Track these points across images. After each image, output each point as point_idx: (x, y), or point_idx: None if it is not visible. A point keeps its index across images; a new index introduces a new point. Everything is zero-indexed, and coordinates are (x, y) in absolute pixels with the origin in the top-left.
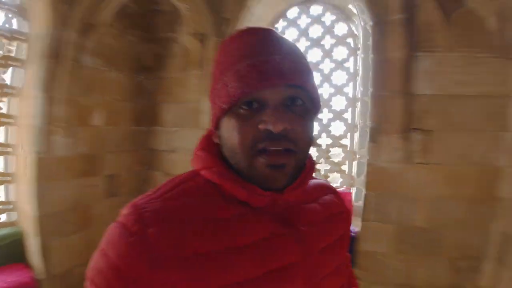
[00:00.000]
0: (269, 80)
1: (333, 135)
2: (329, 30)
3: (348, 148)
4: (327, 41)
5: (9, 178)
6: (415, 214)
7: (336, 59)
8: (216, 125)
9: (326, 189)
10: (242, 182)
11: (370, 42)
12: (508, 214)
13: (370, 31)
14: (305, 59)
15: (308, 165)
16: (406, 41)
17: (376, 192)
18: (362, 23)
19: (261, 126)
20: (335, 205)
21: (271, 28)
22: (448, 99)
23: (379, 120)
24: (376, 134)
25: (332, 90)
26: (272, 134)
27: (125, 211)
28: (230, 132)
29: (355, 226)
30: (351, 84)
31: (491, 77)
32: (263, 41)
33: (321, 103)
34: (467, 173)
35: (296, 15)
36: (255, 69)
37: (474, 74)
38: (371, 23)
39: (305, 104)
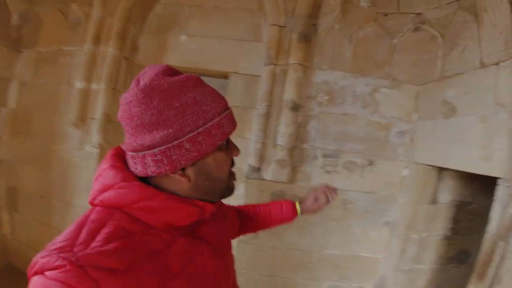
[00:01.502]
0: (236, 124)
1: None
2: None
3: None
4: None
5: None
6: None
7: None
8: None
9: None
10: (189, 200)
11: None
12: (9, 172)
13: None
14: None
15: None
16: None
17: None
18: None
19: (234, 155)
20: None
21: None
22: None
23: None
24: None
25: None
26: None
27: (53, 262)
28: (221, 164)
29: None
30: None
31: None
32: (217, 91)
33: None
34: None
35: None
36: (232, 116)
37: None
38: None
39: None
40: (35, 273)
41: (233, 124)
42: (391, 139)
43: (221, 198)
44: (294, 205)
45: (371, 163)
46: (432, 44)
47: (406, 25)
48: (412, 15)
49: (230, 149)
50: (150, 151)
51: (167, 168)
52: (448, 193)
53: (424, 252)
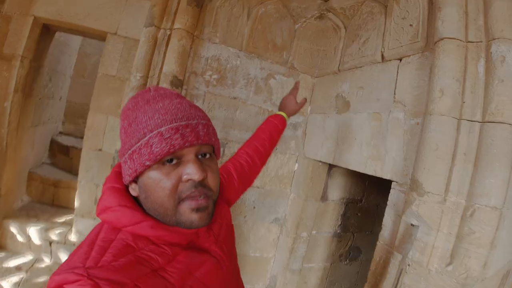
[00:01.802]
0: (189, 141)
1: None
2: None
3: None
4: None
5: None
6: None
7: None
8: (133, 179)
9: None
10: (173, 228)
11: None
12: None
13: None
14: (210, 121)
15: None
16: None
17: None
18: None
19: (186, 177)
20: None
21: (178, 92)
22: None
23: None
24: None
25: None
26: (193, 183)
27: (70, 277)
28: (155, 186)
29: None
30: None
31: None
32: (180, 106)
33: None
34: None
35: None
36: (177, 132)
37: None
38: None
39: (212, 155)
40: None
41: (171, 143)
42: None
43: (181, 227)
44: (281, 117)
45: None
46: (335, 35)
47: (311, 10)
48: (319, 1)
49: (180, 171)
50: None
51: (125, 179)
52: (338, 190)
53: (314, 250)
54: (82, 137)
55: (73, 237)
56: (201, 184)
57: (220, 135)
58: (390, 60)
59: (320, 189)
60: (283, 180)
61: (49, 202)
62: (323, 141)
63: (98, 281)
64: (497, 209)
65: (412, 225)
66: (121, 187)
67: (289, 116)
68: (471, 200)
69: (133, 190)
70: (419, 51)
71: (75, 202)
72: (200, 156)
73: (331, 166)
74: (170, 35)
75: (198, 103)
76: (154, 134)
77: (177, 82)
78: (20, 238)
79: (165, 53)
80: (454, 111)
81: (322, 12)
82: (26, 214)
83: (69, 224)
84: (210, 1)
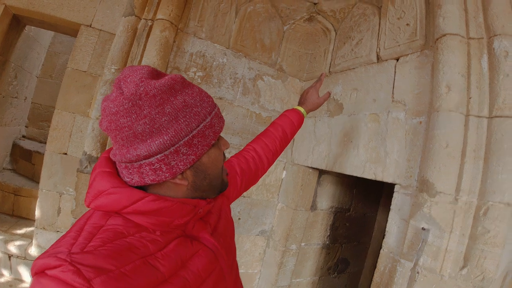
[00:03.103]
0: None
1: None
2: None
3: None
4: None
5: None
6: None
7: None
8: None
9: None
10: (179, 199)
11: None
12: None
13: None
14: None
15: None
16: None
17: None
18: None
19: (224, 148)
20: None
21: None
22: None
23: None
24: None
25: None
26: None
27: (52, 262)
28: (215, 162)
29: None
30: None
31: None
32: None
33: None
34: None
35: None
36: (219, 111)
37: None
38: None
39: None
40: (36, 273)
41: (222, 121)
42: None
43: (218, 194)
44: (299, 112)
45: None
46: (324, 37)
47: (300, 12)
48: (308, 3)
49: (220, 144)
50: (146, 161)
51: (167, 175)
52: (327, 199)
53: (303, 264)
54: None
55: (33, 251)
56: None
57: None
58: (386, 60)
59: (310, 197)
60: (270, 189)
61: (8, 211)
62: (313, 146)
63: (81, 267)
64: (510, 205)
65: (423, 229)
66: (112, 171)
67: (308, 111)
68: (483, 198)
69: (182, 179)
70: (418, 50)
71: (36, 212)
72: None
73: (320, 173)
74: (151, 25)
75: None
76: (214, 115)
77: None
78: None
79: (145, 45)
80: (461, 106)
81: (311, 15)
82: None
83: (29, 236)
84: None
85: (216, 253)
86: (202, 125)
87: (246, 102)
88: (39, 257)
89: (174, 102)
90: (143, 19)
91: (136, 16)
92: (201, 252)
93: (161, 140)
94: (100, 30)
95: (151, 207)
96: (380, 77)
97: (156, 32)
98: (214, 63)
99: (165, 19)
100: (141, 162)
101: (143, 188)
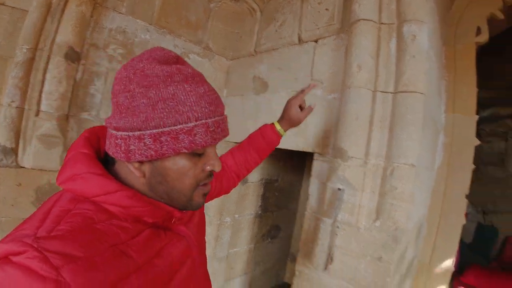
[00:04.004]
0: (224, 135)
1: None
2: None
3: None
4: None
5: None
6: None
7: None
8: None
9: None
10: (154, 201)
11: None
12: None
13: None
14: None
15: None
16: None
17: None
18: None
19: (209, 168)
20: None
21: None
22: None
23: None
24: None
25: None
26: (211, 172)
27: (16, 248)
28: (180, 174)
29: None
30: None
31: None
32: (218, 96)
33: None
34: None
35: None
36: (219, 126)
37: None
38: None
39: None
40: None
41: (213, 137)
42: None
43: (181, 209)
44: (273, 128)
45: None
46: (250, 17)
47: None
48: None
49: (203, 161)
50: (114, 132)
51: (122, 155)
52: (257, 171)
53: (238, 234)
54: None
55: None
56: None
57: None
58: (307, 42)
59: None
60: None
61: None
62: (241, 123)
63: (47, 253)
64: (414, 166)
65: (339, 189)
66: (90, 153)
67: (288, 127)
68: (390, 161)
69: (137, 169)
70: (335, 33)
71: None
72: None
73: None
74: (67, 0)
75: (100, 82)
76: (200, 124)
77: (74, 55)
78: None
79: (59, 21)
80: (370, 84)
81: None
82: None
83: None
84: None
85: (190, 243)
86: (179, 126)
87: None
88: (2, 241)
89: (162, 90)
90: None
91: None
92: (175, 241)
93: (130, 119)
94: (13, 7)
95: (124, 203)
96: (301, 58)
97: (71, 6)
98: (136, 39)
99: None
100: (110, 131)
101: (111, 161)
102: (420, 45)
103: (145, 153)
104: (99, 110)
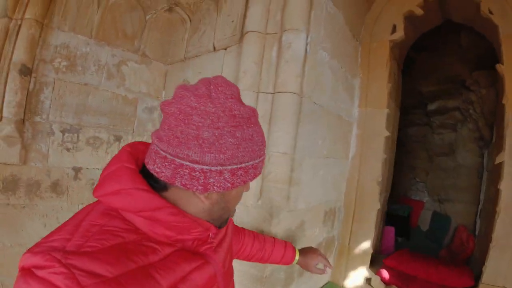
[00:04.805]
0: None
1: None
2: None
3: None
4: None
5: None
6: None
7: None
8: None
9: None
10: (197, 218)
11: None
12: None
13: None
14: None
15: None
16: None
17: None
18: None
19: (246, 191)
20: None
21: None
22: None
23: None
24: None
25: None
26: None
27: (43, 262)
28: (236, 198)
29: None
30: None
31: None
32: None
33: None
34: None
35: None
36: (263, 163)
37: None
38: None
39: None
40: (23, 268)
41: (261, 169)
42: (140, 114)
43: (219, 227)
44: (294, 257)
45: (118, 138)
46: (181, 26)
47: (160, 3)
48: None
49: (246, 186)
50: (191, 165)
51: (200, 188)
52: None
53: None
54: None
55: None
56: None
57: (73, 121)
58: (219, 50)
59: None
60: None
61: None
62: None
63: (74, 271)
64: (287, 154)
65: None
66: (135, 168)
67: (301, 262)
68: (268, 150)
69: (207, 198)
70: (237, 42)
71: None
72: None
73: None
74: (20, 25)
75: (48, 90)
76: (262, 159)
77: (26, 70)
78: None
79: (15, 42)
80: (254, 86)
81: (170, 6)
82: None
83: None
84: None
85: (216, 271)
86: (251, 163)
87: (111, 86)
88: (29, 250)
89: (245, 131)
90: (14, 19)
91: (8, 17)
92: (202, 266)
93: (217, 155)
94: None
95: (168, 220)
96: (215, 63)
97: (24, 30)
98: (78, 52)
99: (32, 18)
100: (185, 162)
101: (163, 185)
102: (295, 51)
103: (223, 186)
104: (48, 114)
